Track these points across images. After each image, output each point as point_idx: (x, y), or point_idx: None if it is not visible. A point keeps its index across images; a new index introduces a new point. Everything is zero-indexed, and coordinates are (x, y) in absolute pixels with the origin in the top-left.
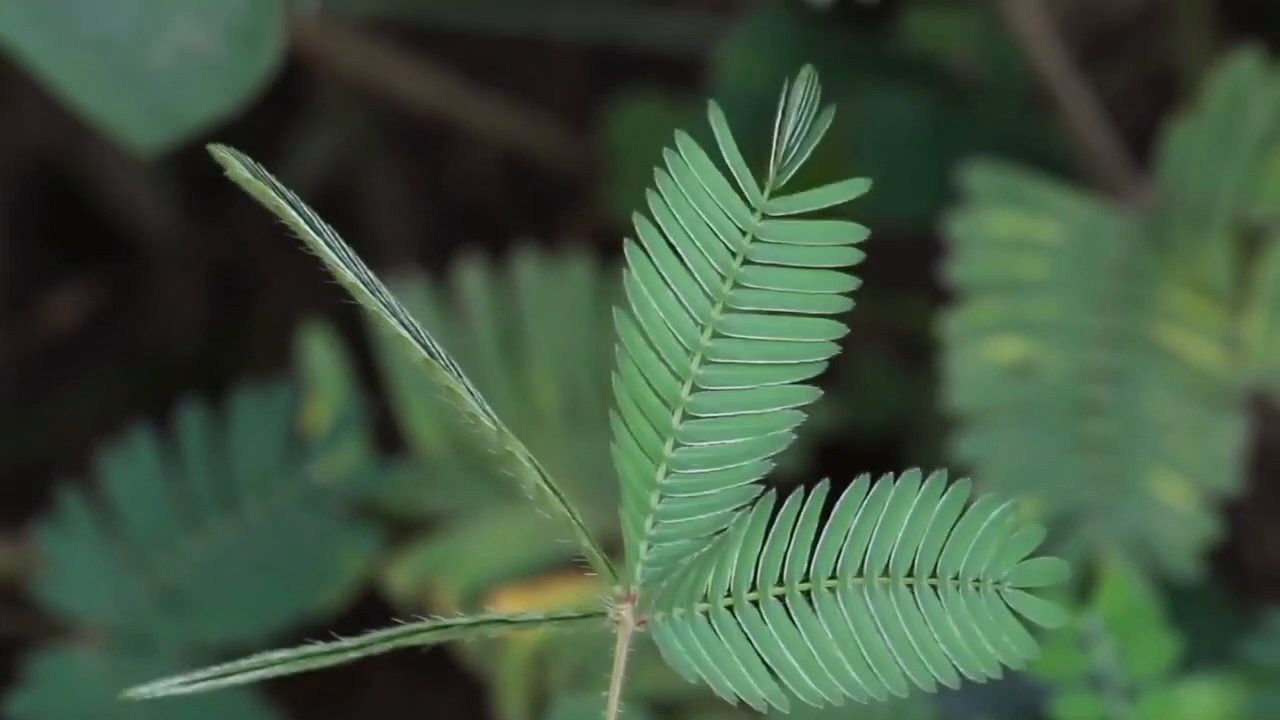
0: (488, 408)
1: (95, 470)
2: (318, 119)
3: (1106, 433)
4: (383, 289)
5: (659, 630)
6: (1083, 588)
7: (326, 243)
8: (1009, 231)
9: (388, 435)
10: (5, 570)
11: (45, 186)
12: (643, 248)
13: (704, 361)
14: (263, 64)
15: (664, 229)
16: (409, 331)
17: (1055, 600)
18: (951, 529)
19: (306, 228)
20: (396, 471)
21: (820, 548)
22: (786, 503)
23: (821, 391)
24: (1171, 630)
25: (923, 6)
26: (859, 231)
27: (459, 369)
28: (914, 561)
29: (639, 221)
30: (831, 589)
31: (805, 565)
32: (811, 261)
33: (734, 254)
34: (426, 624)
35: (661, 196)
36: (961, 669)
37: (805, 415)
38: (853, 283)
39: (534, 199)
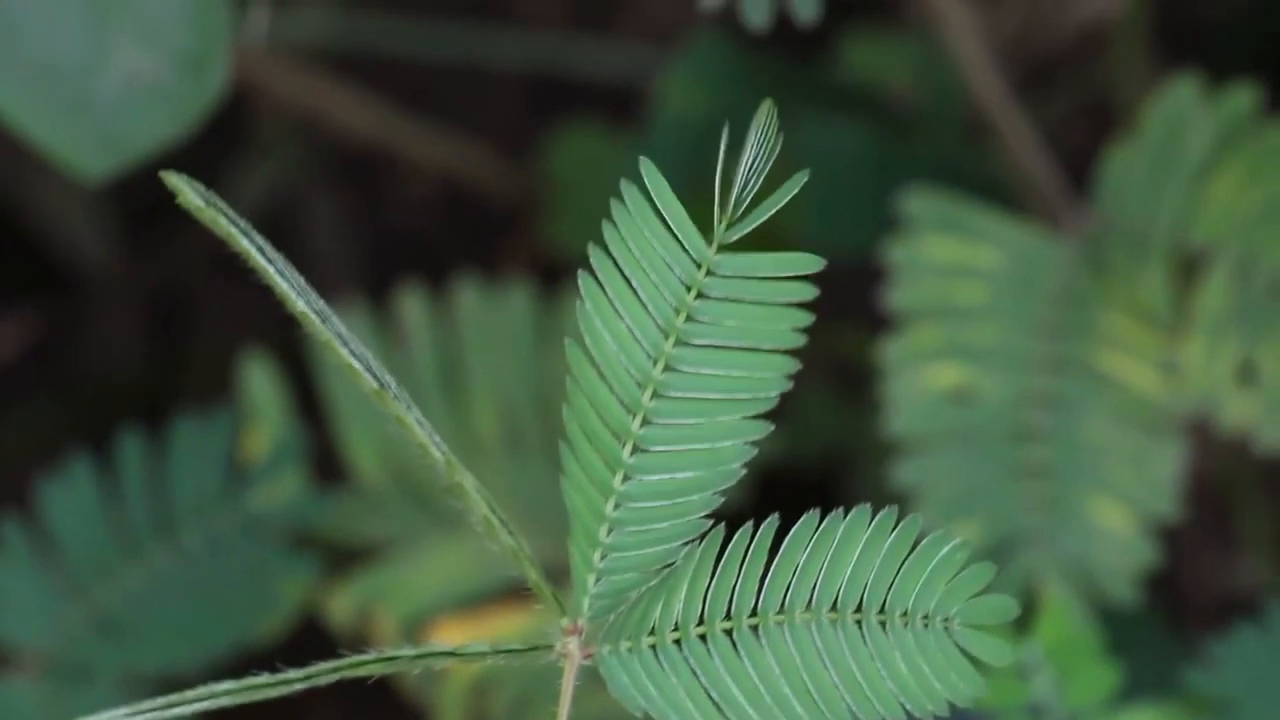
0: (437, 438)
1: (33, 499)
2: (256, 148)
3: (1046, 458)
4: (333, 318)
5: (605, 663)
6: (1022, 614)
7: (278, 271)
8: (947, 258)
9: (328, 464)
10: None
11: None
12: (596, 279)
13: (656, 394)
14: (210, 92)
15: (618, 260)
16: (360, 361)
17: (1001, 636)
18: (900, 565)
19: (258, 255)
20: (336, 500)
21: (768, 582)
22: (735, 537)
23: (773, 426)
24: (1111, 659)
25: (861, 35)
26: (812, 262)
27: (408, 399)
28: (862, 597)
29: (593, 252)
30: (779, 624)
31: (753, 600)
32: (765, 297)
33: (688, 287)
34: (371, 655)
35: (616, 228)
36: (909, 706)
37: (756, 450)
38: (806, 318)
39: (473, 228)
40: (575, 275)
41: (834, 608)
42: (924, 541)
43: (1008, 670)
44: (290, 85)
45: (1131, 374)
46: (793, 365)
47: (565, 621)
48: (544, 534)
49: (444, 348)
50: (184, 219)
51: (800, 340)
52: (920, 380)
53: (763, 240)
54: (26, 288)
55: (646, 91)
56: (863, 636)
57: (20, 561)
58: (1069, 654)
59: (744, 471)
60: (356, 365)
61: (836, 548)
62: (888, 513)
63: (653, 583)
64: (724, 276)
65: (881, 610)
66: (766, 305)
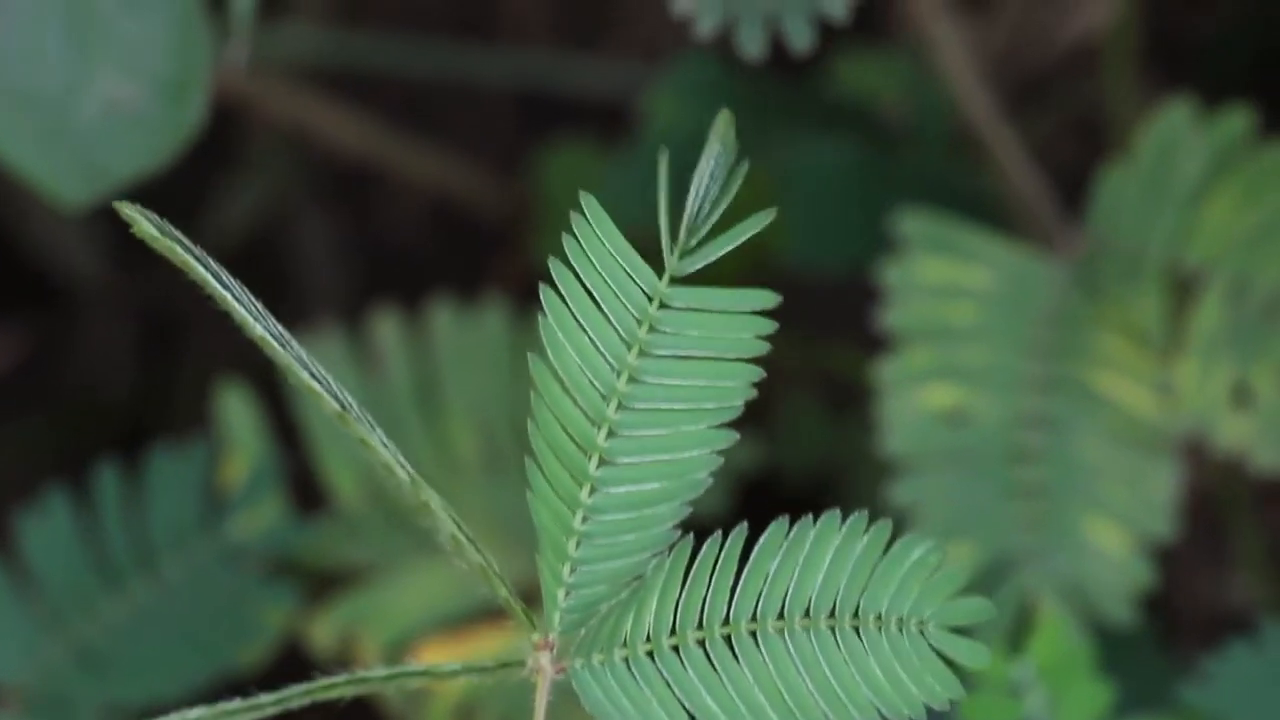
0: (401, 458)
1: (12, 532)
2: (246, 166)
3: (1040, 479)
4: (293, 342)
5: (578, 677)
6: (1019, 634)
7: (235, 297)
8: (940, 278)
9: (307, 490)
10: None
11: None
12: (558, 292)
13: (620, 407)
14: (190, 117)
15: (580, 273)
16: (320, 384)
17: (983, 641)
18: (874, 570)
19: (214, 283)
20: (316, 526)
21: (740, 591)
22: (705, 546)
23: (738, 435)
24: (1104, 677)
25: (851, 53)
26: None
27: (372, 420)
28: (835, 603)
29: (554, 266)
30: (752, 632)
31: (725, 609)
32: (728, 306)
33: (650, 298)
34: (344, 677)
35: (578, 241)
36: (885, 711)
37: (723, 459)
38: (770, 326)
39: (463, 244)
40: None
41: (807, 614)
42: (897, 545)
43: (1000, 688)
44: (280, 102)
45: (1126, 394)
46: (757, 373)
47: (536, 636)
48: (525, 553)
49: (420, 370)
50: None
51: (764, 348)
52: (914, 401)
53: (749, 256)
54: (17, 304)
55: (636, 108)
56: (837, 642)
57: None
58: (1062, 672)
59: (711, 482)
60: (317, 388)
61: (808, 554)
62: (858, 517)
63: (623, 595)
64: (686, 287)
65: (855, 615)
66: (729, 314)
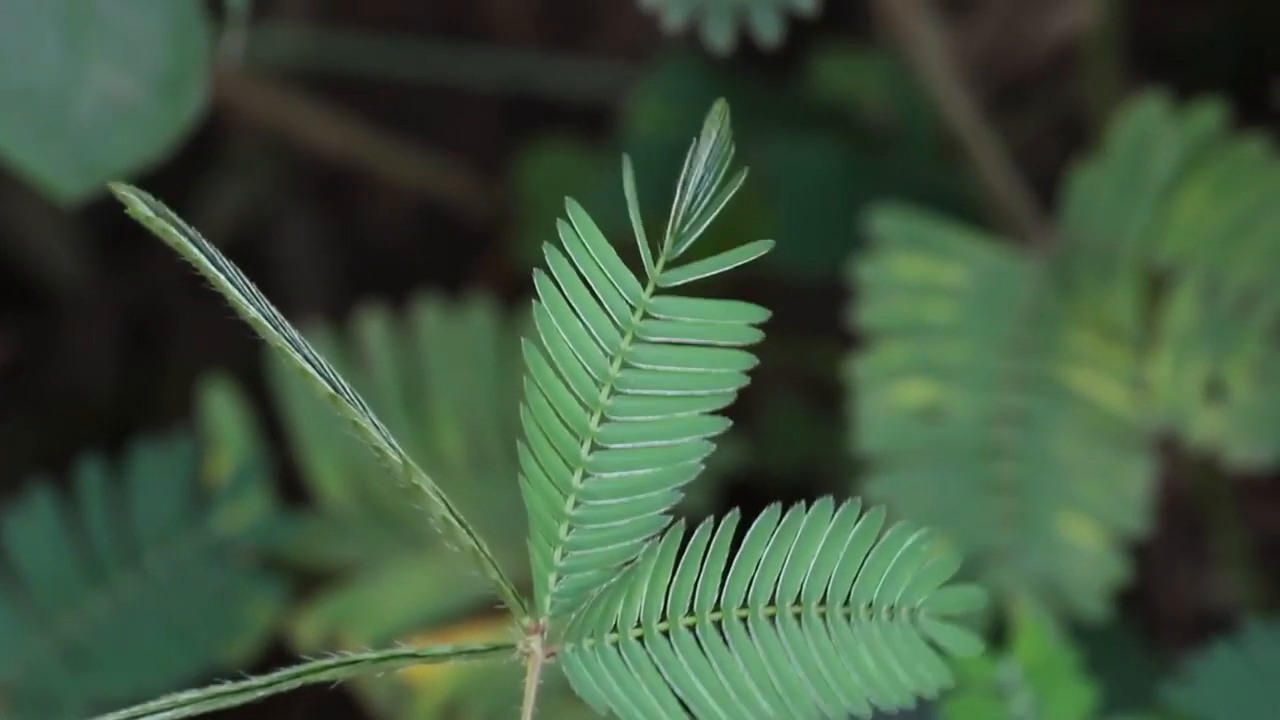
0: (393, 441)
1: None
2: (230, 166)
3: (1015, 475)
4: (286, 325)
5: (568, 661)
6: (994, 630)
7: (229, 279)
8: (915, 276)
9: (292, 486)
10: None
11: None
12: (552, 277)
13: (613, 392)
14: (186, 113)
15: (574, 259)
16: (313, 366)
17: (970, 630)
18: (865, 557)
19: (209, 264)
20: (301, 522)
21: (731, 577)
22: (696, 533)
23: (730, 421)
24: (1088, 677)
25: (832, 55)
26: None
27: (364, 402)
28: (826, 590)
29: (548, 251)
30: (743, 618)
31: (716, 595)
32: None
33: (644, 284)
34: (334, 660)
35: (572, 227)
36: (874, 698)
37: (714, 446)
38: (762, 314)
39: (447, 245)
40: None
41: (798, 601)
42: (888, 533)
43: (986, 690)
44: (264, 104)
45: (1100, 391)
46: (750, 360)
47: (527, 620)
48: (510, 551)
49: (406, 369)
50: (157, 237)
51: (757, 335)
52: (889, 398)
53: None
54: (0, 306)
55: (619, 110)
56: (827, 630)
57: None
58: (1047, 673)
59: (703, 468)
60: (310, 369)
61: (799, 541)
62: (851, 505)
63: (614, 580)
64: (679, 271)
65: (846, 602)
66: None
